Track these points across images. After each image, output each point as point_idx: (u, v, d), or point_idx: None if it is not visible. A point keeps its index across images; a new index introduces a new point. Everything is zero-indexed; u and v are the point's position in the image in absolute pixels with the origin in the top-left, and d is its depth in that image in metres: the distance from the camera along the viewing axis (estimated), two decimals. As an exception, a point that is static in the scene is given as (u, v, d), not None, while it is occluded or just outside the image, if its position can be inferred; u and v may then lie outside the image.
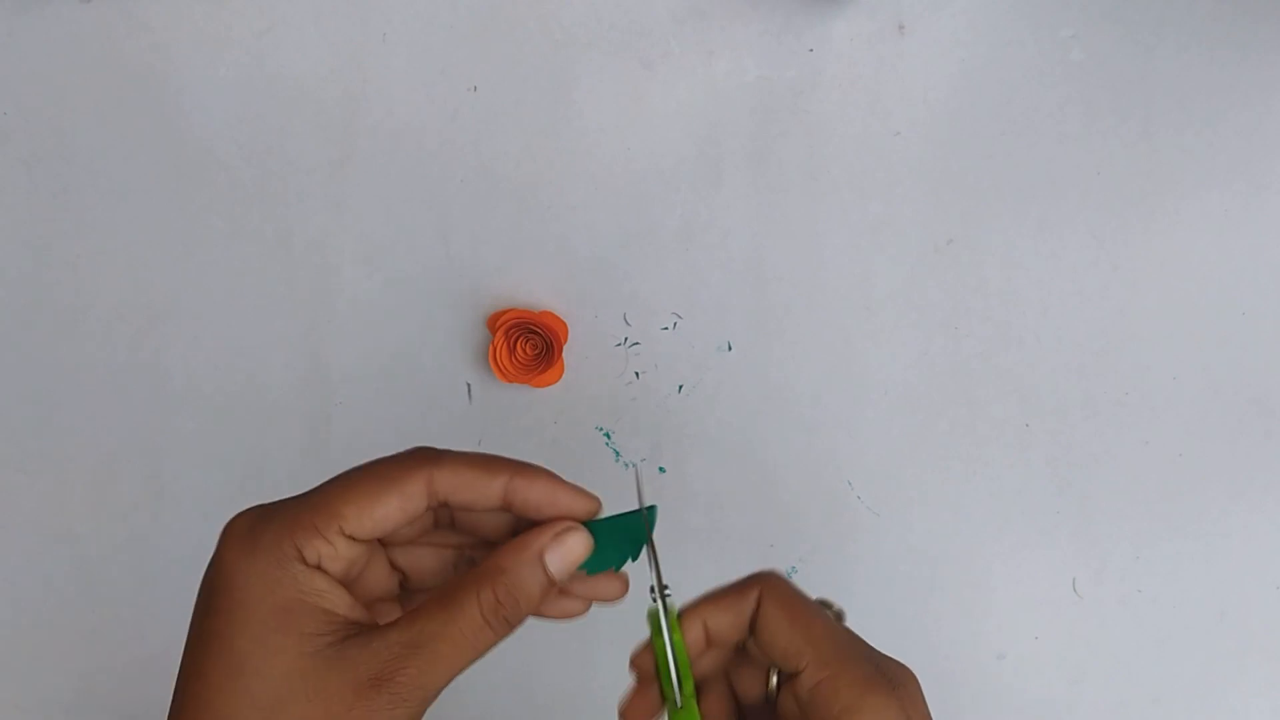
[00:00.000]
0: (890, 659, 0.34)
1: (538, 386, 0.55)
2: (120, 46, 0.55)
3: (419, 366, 0.56)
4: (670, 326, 0.56)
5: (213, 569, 0.31)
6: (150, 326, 0.56)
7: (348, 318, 0.56)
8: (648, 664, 0.35)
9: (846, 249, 0.55)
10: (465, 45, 0.55)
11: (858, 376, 0.55)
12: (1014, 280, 0.55)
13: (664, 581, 0.35)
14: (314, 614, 0.30)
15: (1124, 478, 0.55)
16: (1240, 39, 0.53)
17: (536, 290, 0.56)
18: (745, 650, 0.36)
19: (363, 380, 0.56)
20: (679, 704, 0.34)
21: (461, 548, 0.36)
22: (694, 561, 0.56)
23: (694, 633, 0.35)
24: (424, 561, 0.35)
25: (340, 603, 0.31)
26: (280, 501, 0.32)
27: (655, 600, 0.35)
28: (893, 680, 0.32)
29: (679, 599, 0.36)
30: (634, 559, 0.35)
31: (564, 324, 0.55)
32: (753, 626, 0.35)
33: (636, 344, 0.56)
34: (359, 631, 0.31)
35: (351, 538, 0.31)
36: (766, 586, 0.35)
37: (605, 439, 0.56)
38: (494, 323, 0.54)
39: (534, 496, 0.33)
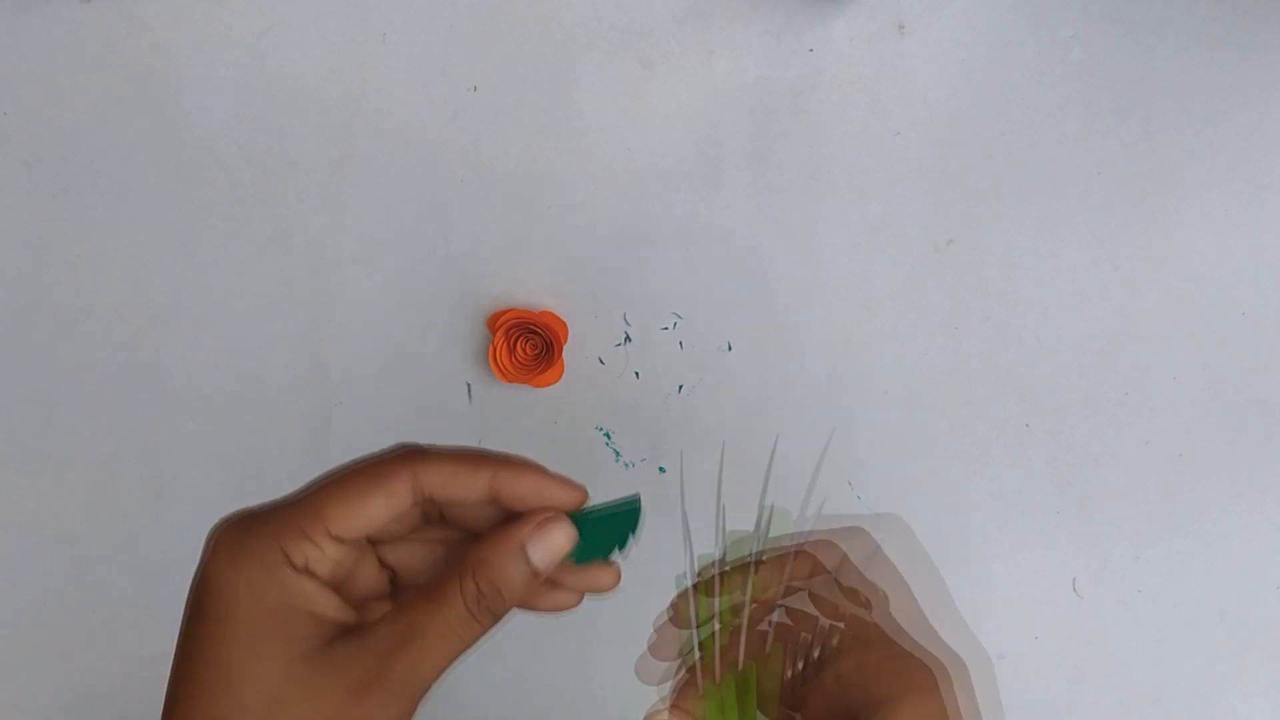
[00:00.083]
0: (947, 648, 0.34)
1: (538, 386, 0.55)
2: (120, 46, 0.55)
3: (419, 366, 0.56)
4: (670, 326, 0.56)
5: (200, 577, 0.31)
6: (150, 326, 0.56)
7: (348, 317, 0.56)
8: (686, 616, 0.35)
9: (846, 249, 0.55)
10: (465, 45, 0.55)
11: (858, 376, 0.55)
12: (1014, 280, 0.55)
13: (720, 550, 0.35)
14: (303, 619, 0.30)
15: (1124, 478, 0.55)
16: (1240, 39, 0.53)
17: (536, 290, 0.56)
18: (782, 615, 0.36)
19: (362, 380, 0.56)
20: (717, 678, 0.34)
21: (451, 542, 0.36)
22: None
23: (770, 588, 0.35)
24: (414, 558, 0.35)
25: (329, 605, 0.31)
26: (264, 506, 0.32)
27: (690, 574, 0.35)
28: (942, 668, 0.33)
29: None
30: (621, 549, 0.34)
31: (564, 324, 0.55)
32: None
33: (636, 344, 0.56)
34: (347, 632, 0.31)
35: (338, 539, 0.31)
36: (855, 543, 0.35)
37: (605, 439, 0.56)
38: (494, 323, 0.54)
39: (520, 489, 0.33)
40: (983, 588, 0.56)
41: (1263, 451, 0.55)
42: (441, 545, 0.35)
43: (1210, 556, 0.55)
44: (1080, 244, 0.54)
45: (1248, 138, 0.54)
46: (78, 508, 0.57)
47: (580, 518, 0.34)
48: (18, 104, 0.56)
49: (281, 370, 0.56)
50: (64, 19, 0.55)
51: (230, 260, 0.56)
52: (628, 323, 0.56)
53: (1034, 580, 0.56)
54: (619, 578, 0.35)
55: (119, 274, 0.56)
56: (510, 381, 0.54)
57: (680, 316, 0.56)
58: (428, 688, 0.31)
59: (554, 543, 0.33)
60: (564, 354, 0.55)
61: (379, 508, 0.32)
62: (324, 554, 0.31)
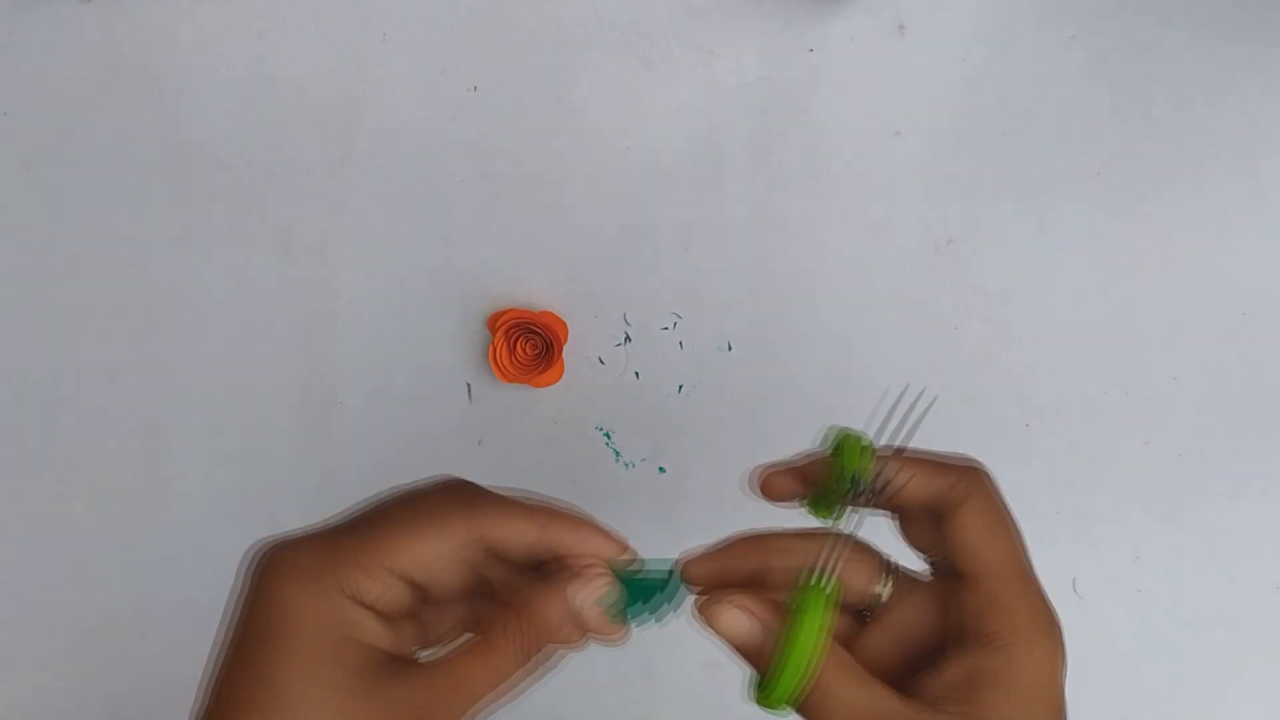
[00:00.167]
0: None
1: (538, 386, 0.55)
2: (120, 46, 0.55)
3: (419, 366, 0.56)
4: (670, 326, 0.56)
5: (254, 597, 0.32)
6: (150, 326, 0.56)
7: (348, 318, 0.56)
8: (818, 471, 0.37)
9: (846, 249, 0.55)
10: (465, 45, 0.55)
11: (858, 376, 0.55)
12: (1014, 280, 0.55)
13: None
14: (356, 648, 0.32)
15: (1124, 478, 0.55)
16: (1240, 39, 0.53)
17: (536, 290, 0.56)
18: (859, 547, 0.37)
19: (362, 380, 0.56)
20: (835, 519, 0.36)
21: (478, 563, 0.36)
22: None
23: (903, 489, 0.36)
24: (443, 575, 0.36)
25: (382, 638, 0.32)
26: (317, 531, 0.33)
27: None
28: (1058, 628, 0.34)
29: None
30: (658, 621, 0.35)
31: (564, 324, 0.55)
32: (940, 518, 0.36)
33: (636, 344, 0.56)
34: (397, 665, 0.32)
35: (392, 572, 0.33)
36: (974, 481, 0.36)
37: (605, 439, 0.56)
38: (494, 323, 0.54)
39: (569, 541, 0.35)
40: (983, 588, 0.56)
41: (1263, 451, 0.55)
42: (469, 566, 0.36)
43: (1210, 556, 0.55)
44: (1080, 244, 0.54)
45: (1248, 138, 0.54)
46: (78, 508, 0.57)
47: (624, 576, 0.35)
48: (18, 104, 0.56)
49: (281, 370, 0.56)
50: (64, 19, 0.55)
51: (230, 260, 0.56)
52: (628, 323, 0.56)
53: (1034, 580, 0.56)
54: (629, 635, 0.36)
55: (119, 274, 0.56)
56: (510, 381, 0.54)
57: (680, 316, 0.56)
58: None
59: (597, 597, 0.34)
60: (564, 354, 0.55)
61: (435, 550, 0.33)
62: (380, 587, 0.32)
